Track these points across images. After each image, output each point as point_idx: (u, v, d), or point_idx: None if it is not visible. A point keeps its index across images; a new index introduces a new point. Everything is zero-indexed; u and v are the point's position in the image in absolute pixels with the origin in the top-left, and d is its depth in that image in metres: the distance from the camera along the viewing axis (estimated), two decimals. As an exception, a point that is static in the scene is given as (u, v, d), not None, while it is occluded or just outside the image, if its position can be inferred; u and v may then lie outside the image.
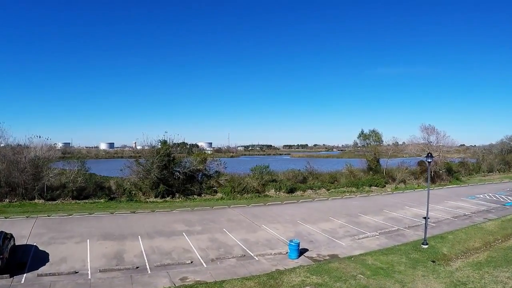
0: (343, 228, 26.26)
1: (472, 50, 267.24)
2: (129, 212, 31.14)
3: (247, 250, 20.61)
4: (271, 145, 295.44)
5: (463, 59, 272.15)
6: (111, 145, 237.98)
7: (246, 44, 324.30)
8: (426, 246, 22.82)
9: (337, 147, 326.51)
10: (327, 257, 19.76)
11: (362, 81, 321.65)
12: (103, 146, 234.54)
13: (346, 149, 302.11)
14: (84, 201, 38.85)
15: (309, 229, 25.68)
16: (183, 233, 23.69)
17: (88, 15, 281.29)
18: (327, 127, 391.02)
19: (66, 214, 30.57)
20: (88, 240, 22.13)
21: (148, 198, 40.39)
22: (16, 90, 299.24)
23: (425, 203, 40.32)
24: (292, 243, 19.02)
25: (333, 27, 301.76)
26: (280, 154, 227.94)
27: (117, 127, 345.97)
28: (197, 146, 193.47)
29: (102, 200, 39.11)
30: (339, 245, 22.15)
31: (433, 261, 20.14)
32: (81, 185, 39.32)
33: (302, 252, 19.84)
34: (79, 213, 30.95)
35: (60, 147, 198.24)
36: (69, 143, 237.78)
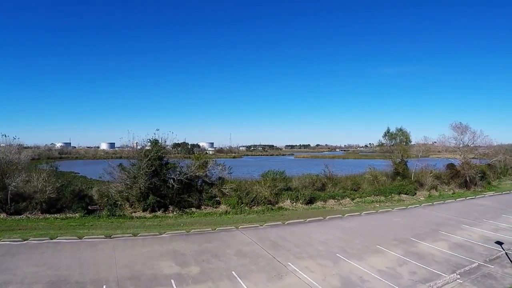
0: (404, 266, 18.20)
1: (470, 51, 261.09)
2: (103, 237, 23.07)
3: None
4: (273, 145, 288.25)
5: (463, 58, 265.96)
6: (111, 145, 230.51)
7: (248, 45, 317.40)
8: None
9: (340, 147, 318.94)
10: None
11: (363, 81, 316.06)
12: (103, 146, 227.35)
13: (349, 149, 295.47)
14: (55, 215, 31.40)
15: (358, 269, 17.60)
16: (172, 282, 15.54)
17: (88, 17, 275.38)
18: (329, 127, 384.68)
19: (20, 239, 22.80)
20: (26, 294, 14.24)
21: (135, 212, 32.49)
22: (16, 90, 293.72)
23: (480, 217, 32.97)
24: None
25: (333, 28, 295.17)
26: (283, 155, 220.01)
27: (119, 127, 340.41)
28: (198, 146, 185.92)
29: (77, 215, 31.29)
30: (415, 304, 14.13)
31: None
32: (51, 196, 31.27)
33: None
34: (38, 238, 23.18)
35: (59, 146, 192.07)
36: (70, 143, 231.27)
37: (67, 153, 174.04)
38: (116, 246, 20.84)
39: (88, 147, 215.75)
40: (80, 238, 22.91)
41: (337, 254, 19.63)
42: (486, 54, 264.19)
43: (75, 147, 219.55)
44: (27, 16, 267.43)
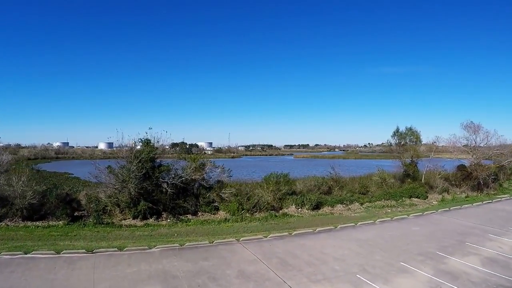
0: (438, 291, 15.27)
1: (471, 51, 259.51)
2: (83, 251, 20.07)
3: None
4: (271, 145, 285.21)
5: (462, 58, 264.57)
6: (110, 145, 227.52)
7: (246, 44, 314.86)
8: None
9: (339, 147, 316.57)
10: None
11: (363, 81, 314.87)
12: (102, 146, 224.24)
13: (348, 149, 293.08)
14: (37, 223, 28.46)
15: (385, 295, 14.66)
16: (160, 316, 12.63)
17: (86, 16, 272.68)
18: (328, 127, 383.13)
19: (-9, 253, 19.74)
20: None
21: (125, 219, 29.53)
22: (15, 90, 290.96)
23: (506, 225, 30.07)
24: None
25: (332, 27, 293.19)
26: (283, 155, 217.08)
27: (118, 127, 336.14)
28: (196, 146, 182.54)
29: (61, 223, 28.35)
30: None
31: None
32: (32, 201, 28.30)
33: None
34: (12, 251, 20.33)
35: (57, 146, 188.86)
36: (68, 142, 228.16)
37: (64, 153, 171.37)
38: (97, 265, 17.80)
39: (86, 147, 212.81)
40: (58, 252, 19.91)
41: (358, 275, 16.59)
42: (487, 54, 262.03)
43: (73, 147, 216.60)
44: (26, 15, 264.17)
